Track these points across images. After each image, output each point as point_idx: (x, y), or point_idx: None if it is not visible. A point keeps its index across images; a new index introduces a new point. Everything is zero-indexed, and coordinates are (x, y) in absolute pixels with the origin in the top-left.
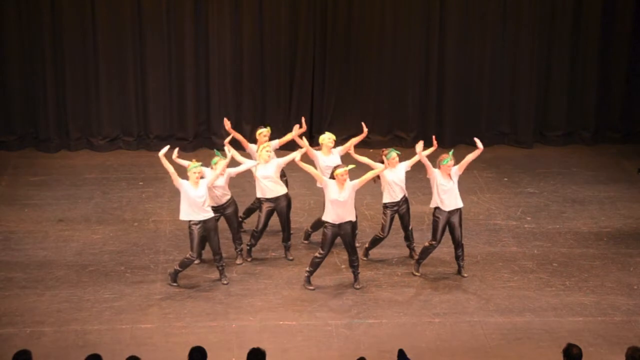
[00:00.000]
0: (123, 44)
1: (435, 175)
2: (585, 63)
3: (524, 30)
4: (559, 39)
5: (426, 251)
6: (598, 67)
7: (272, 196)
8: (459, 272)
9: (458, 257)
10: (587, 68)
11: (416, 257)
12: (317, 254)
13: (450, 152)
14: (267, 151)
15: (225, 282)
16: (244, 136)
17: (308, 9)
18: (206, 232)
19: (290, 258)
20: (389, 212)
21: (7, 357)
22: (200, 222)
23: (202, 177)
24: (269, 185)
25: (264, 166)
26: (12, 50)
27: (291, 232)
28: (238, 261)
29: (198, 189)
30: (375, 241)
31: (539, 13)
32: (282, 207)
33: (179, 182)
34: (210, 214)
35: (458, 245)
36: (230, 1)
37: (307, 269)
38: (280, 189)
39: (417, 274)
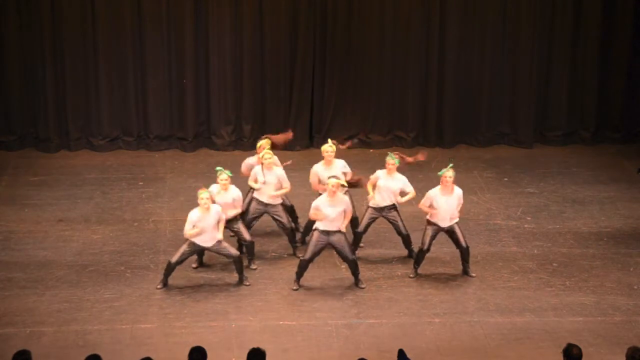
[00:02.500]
0: (123, 44)
1: (433, 196)
2: (585, 63)
3: (524, 30)
4: (559, 39)
5: (419, 256)
6: (598, 67)
7: (264, 200)
8: (466, 272)
9: (464, 260)
10: (587, 68)
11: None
12: (302, 256)
13: (450, 165)
14: (267, 158)
15: (247, 283)
16: (243, 136)
17: (308, 9)
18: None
19: (300, 256)
20: (369, 210)
21: (7, 357)
22: (196, 244)
23: (213, 202)
24: (266, 191)
25: (267, 173)
26: (12, 50)
27: (295, 232)
28: (253, 266)
29: (209, 216)
30: (354, 234)
31: (539, 13)
32: (275, 213)
33: (190, 222)
34: (211, 243)
35: (464, 250)
36: (230, 1)
37: (296, 270)
38: (275, 200)
39: (412, 276)
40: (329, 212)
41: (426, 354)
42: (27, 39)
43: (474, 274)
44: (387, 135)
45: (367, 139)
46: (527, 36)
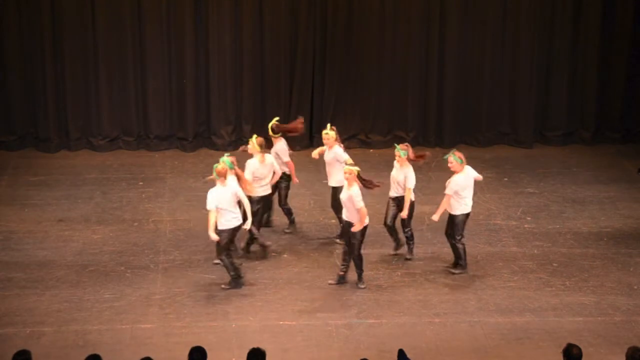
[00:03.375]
0: (123, 44)
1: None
2: (585, 63)
3: (524, 30)
4: (559, 39)
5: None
6: (598, 67)
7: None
8: (453, 267)
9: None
10: (587, 68)
11: (409, 257)
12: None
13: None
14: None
15: (223, 286)
16: (243, 136)
17: (308, 10)
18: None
19: (268, 244)
20: (389, 201)
21: (7, 357)
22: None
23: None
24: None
25: (260, 165)
26: (12, 50)
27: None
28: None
29: (225, 192)
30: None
31: (538, 13)
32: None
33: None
34: (234, 223)
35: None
36: (230, 1)
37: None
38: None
39: (455, 272)
40: (342, 196)
41: (426, 354)
42: (27, 39)
43: (456, 271)
44: (387, 135)
45: (367, 139)
46: (527, 36)
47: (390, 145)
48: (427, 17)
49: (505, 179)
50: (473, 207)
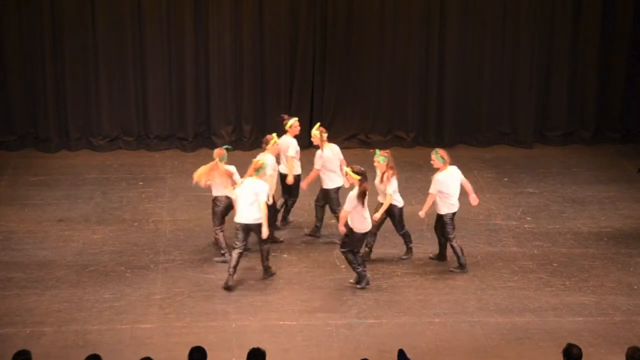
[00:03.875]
0: (123, 44)
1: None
2: (585, 63)
3: (524, 30)
4: (559, 39)
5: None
6: (598, 67)
7: None
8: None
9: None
10: (587, 68)
11: (405, 257)
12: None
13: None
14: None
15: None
16: (243, 136)
17: (308, 10)
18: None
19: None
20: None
21: (7, 357)
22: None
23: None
24: None
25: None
26: (12, 50)
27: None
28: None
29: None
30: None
31: (538, 13)
32: None
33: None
34: (245, 219)
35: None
36: (230, 1)
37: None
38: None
39: (457, 271)
40: None
41: (426, 354)
42: (27, 39)
43: (456, 270)
44: (387, 135)
45: (367, 139)
46: (527, 36)
47: (390, 145)
48: (427, 17)
49: (505, 179)
50: (473, 207)
